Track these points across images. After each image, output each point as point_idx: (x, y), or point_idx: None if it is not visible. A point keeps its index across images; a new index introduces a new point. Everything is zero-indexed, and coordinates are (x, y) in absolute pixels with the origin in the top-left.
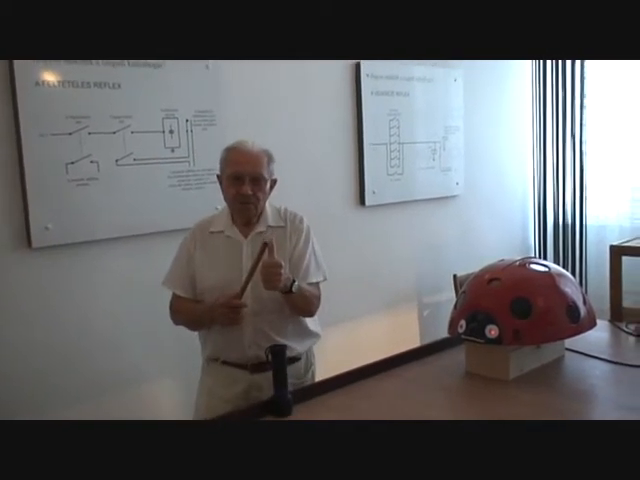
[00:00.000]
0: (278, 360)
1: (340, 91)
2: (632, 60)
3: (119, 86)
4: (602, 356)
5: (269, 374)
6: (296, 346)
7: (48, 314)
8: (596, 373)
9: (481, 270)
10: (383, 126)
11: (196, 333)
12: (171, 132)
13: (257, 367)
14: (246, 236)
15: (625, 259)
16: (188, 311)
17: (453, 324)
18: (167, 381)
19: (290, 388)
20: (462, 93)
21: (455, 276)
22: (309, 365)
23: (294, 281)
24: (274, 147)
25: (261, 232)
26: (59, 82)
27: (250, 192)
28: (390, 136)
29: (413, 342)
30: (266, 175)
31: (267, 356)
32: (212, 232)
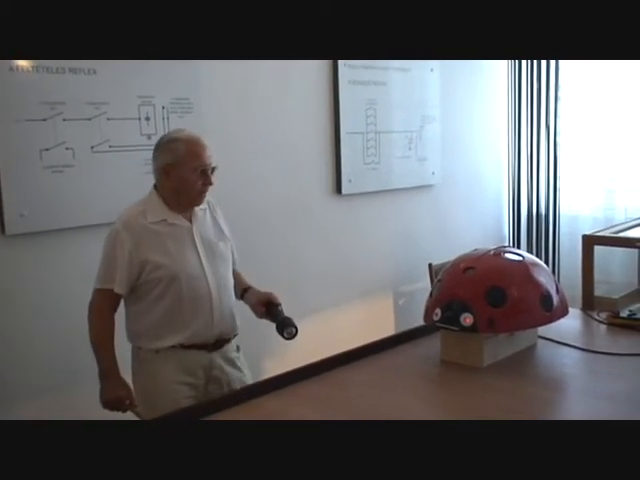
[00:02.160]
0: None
1: (317, 80)
2: (605, 60)
3: (94, 72)
4: (574, 344)
5: (223, 351)
6: (236, 323)
7: (22, 302)
8: (568, 361)
9: (456, 259)
10: (360, 115)
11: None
12: (147, 119)
13: (216, 344)
14: (189, 220)
15: (597, 249)
16: (100, 341)
17: (428, 312)
18: None
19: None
20: (439, 83)
21: (430, 265)
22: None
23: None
24: (251, 136)
25: (197, 214)
26: (33, 67)
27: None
28: (367, 125)
29: (388, 331)
30: None
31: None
32: (152, 222)
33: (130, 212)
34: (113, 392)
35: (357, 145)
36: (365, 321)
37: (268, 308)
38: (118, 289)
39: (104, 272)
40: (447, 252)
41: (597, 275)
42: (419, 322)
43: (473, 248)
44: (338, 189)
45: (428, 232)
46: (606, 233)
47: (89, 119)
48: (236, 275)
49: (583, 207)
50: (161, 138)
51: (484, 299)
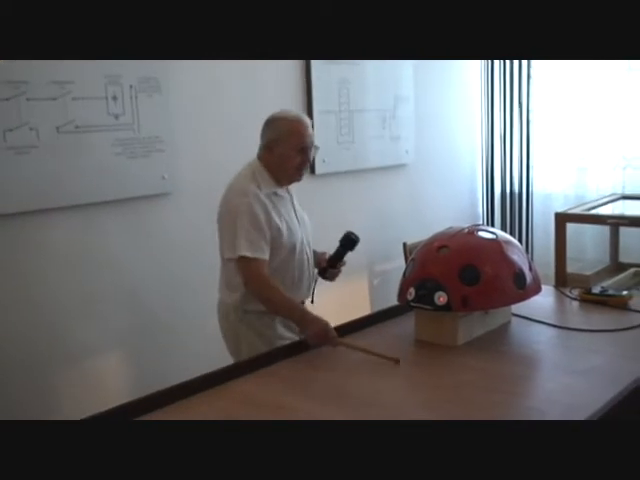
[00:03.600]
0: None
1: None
2: (575, 60)
3: None
4: (547, 321)
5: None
6: None
7: None
8: (541, 338)
9: (430, 238)
10: (333, 94)
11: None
12: (114, 98)
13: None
14: (288, 193)
15: (569, 226)
16: (282, 299)
17: (402, 292)
18: (112, 357)
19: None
20: (412, 62)
21: (405, 244)
22: None
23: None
24: (222, 114)
25: (289, 188)
26: None
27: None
28: (340, 104)
29: (364, 310)
30: None
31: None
32: (267, 194)
33: (250, 185)
34: (322, 325)
35: (331, 124)
36: (340, 301)
37: (322, 264)
38: (267, 256)
39: (250, 242)
40: (421, 231)
41: (569, 252)
42: (394, 301)
43: (447, 226)
44: (312, 169)
45: (402, 211)
46: (578, 211)
47: (54, 99)
48: None
49: (556, 185)
50: (269, 117)
51: (458, 278)
